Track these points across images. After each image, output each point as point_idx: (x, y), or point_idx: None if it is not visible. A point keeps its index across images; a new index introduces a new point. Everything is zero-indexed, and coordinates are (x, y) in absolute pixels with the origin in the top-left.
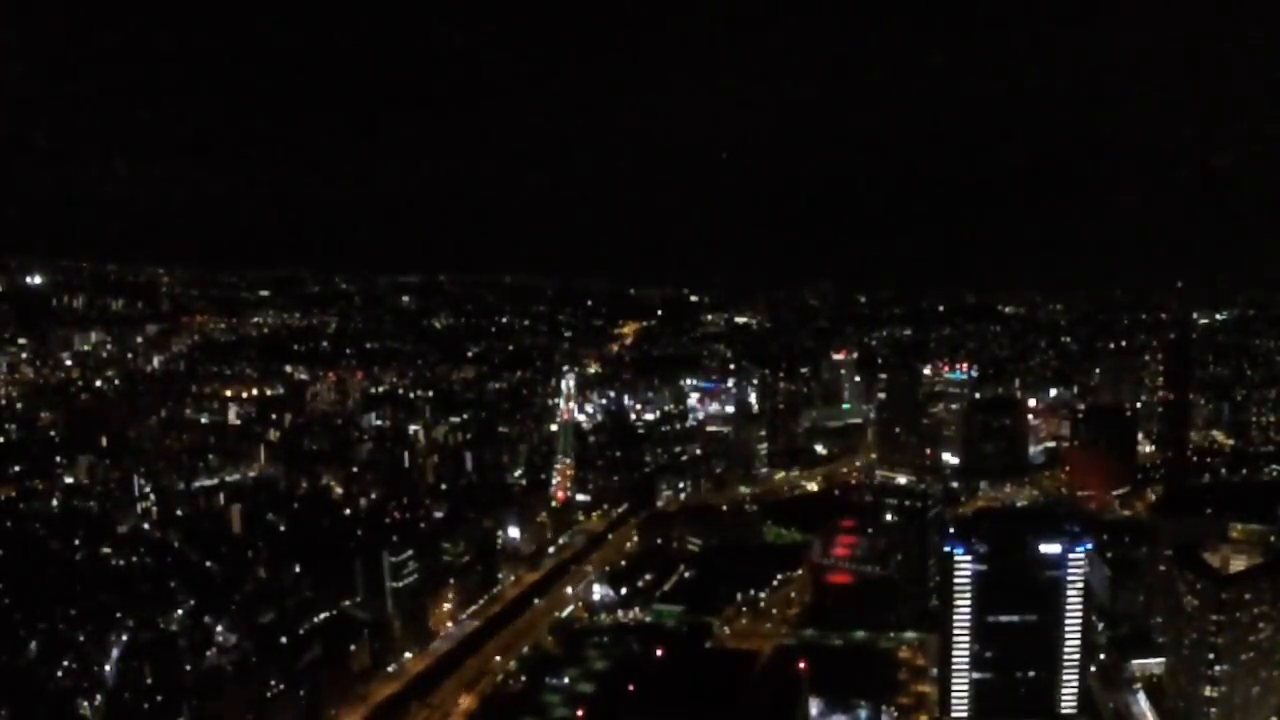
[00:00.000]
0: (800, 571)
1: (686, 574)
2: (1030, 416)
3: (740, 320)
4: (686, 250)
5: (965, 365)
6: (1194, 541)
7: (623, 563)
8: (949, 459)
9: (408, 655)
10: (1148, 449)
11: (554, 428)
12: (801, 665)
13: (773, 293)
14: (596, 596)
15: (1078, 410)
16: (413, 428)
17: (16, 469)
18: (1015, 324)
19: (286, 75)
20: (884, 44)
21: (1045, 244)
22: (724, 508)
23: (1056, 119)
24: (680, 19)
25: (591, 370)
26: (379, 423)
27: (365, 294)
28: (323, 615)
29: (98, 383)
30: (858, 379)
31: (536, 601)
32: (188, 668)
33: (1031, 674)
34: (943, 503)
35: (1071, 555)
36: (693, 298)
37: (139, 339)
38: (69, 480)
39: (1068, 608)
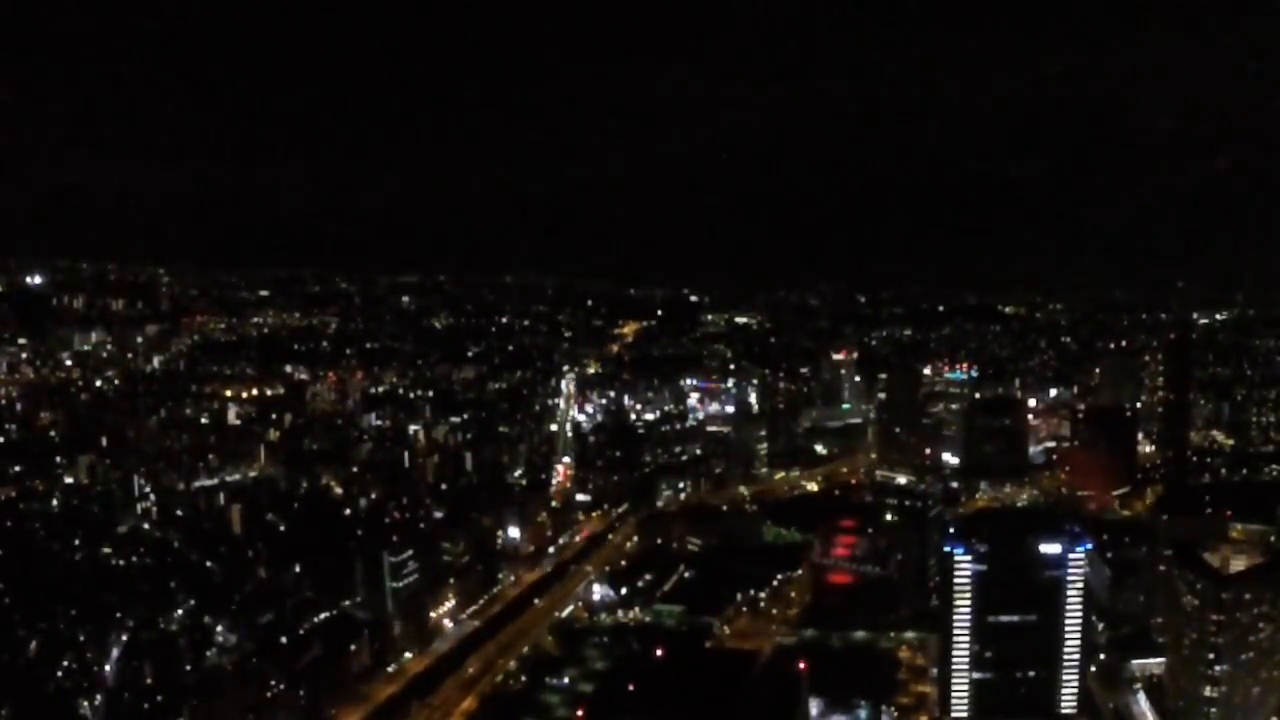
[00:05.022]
0: (800, 571)
1: (686, 574)
2: (1030, 416)
3: (740, 320)
4: (686, 250)
5: (965, 365)
6: (1194, 541)
7: (623, 563)
8: (949, 459)
9: (408, 655)
10: (1148, 449)
11: (554, 428)
12: (801, 665)
13: (773, 293)
14: (596, 596)
15: (1078, 410)
16: (413, 428)
17: (16, 469)
18: (1015, 324)
19: (287, 74)
20: (884, 45)
21: (1045, 244)
22: (724, 508)
23: (1056, 120)
24: (679, 19)
25: (591, 370)
26: (379, 423)
27: (365, 294)
28: (323, 615)
29: (98, 383)
30: (858, 379)
31: (536, 601)
32: (188, 668)
33: (1031, 674)
34: (943, 503)
35: (1071, 555)
36: (693, 298)
37: (139, 339)
38: (69, 480)
39: (1068, 608)
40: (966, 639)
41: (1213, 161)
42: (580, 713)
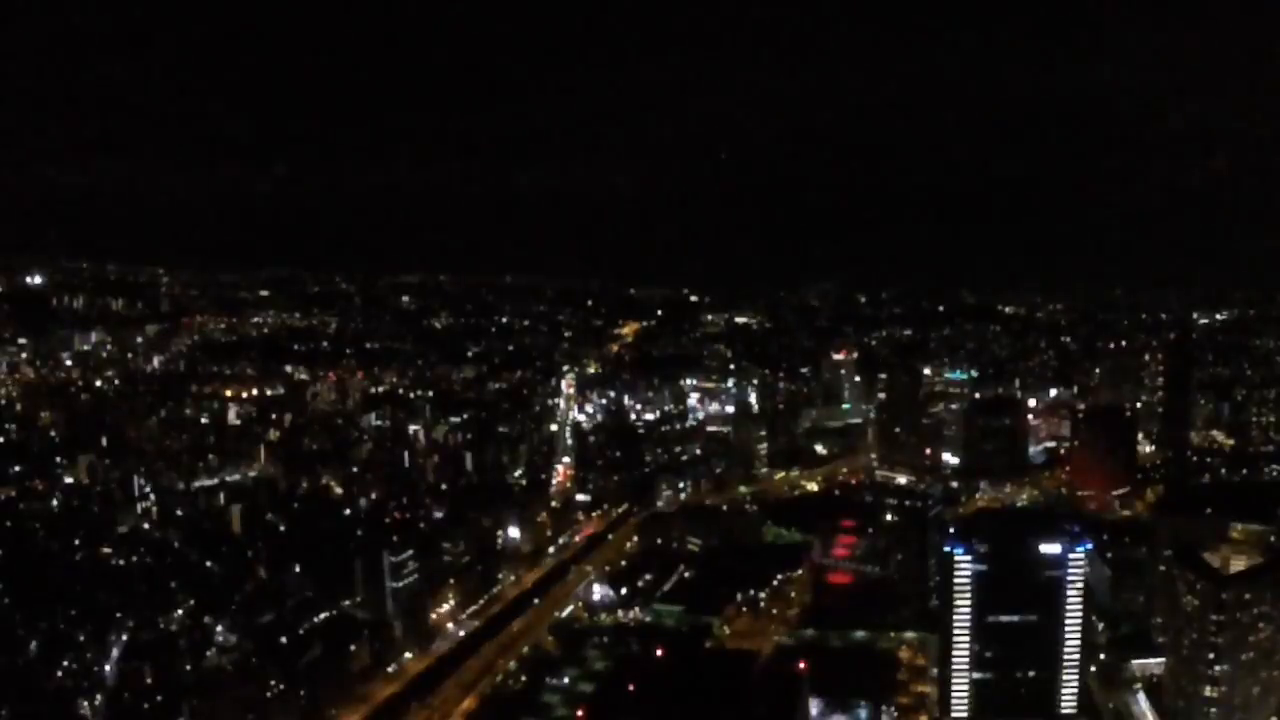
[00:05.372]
0: (800, 571)
1: (686, 574)
2: (1030, 416)
3: (740, 320)
4: (686, 250)
5: (965, 365)
6: (1194, 541)
7: (623, 563)
8: (949, 459)
9: (408, 655)
10: (1148, 449)
11: (554, 428)
12: (801, 665)
13: (773, 293)
14: (596, 596)
15: (1078, 410)
16: (413, 428)
17: (16, 469)
18: (1015, 324)
19: (288, 75)
20: (885, 46)
21: (1045, 244)
22: (724, 508)
23: (1056, 121)
24: (681, 20)
25: (591, 370)
26: (379, 423)
27: (365, 294)
28: (323, 615)
29: (98, 383)
30: (858, 379)
31: (536, 601)
32: (188, 668)
33: (1031, 674)
34: (943, 503)
35: (1071, 555)
36: (693, 298)
37: (139, 339)
38: (69, 480)
39: (1068, 608)
40: (966, 639)
41: (1212, 161)
42: (580, 713)
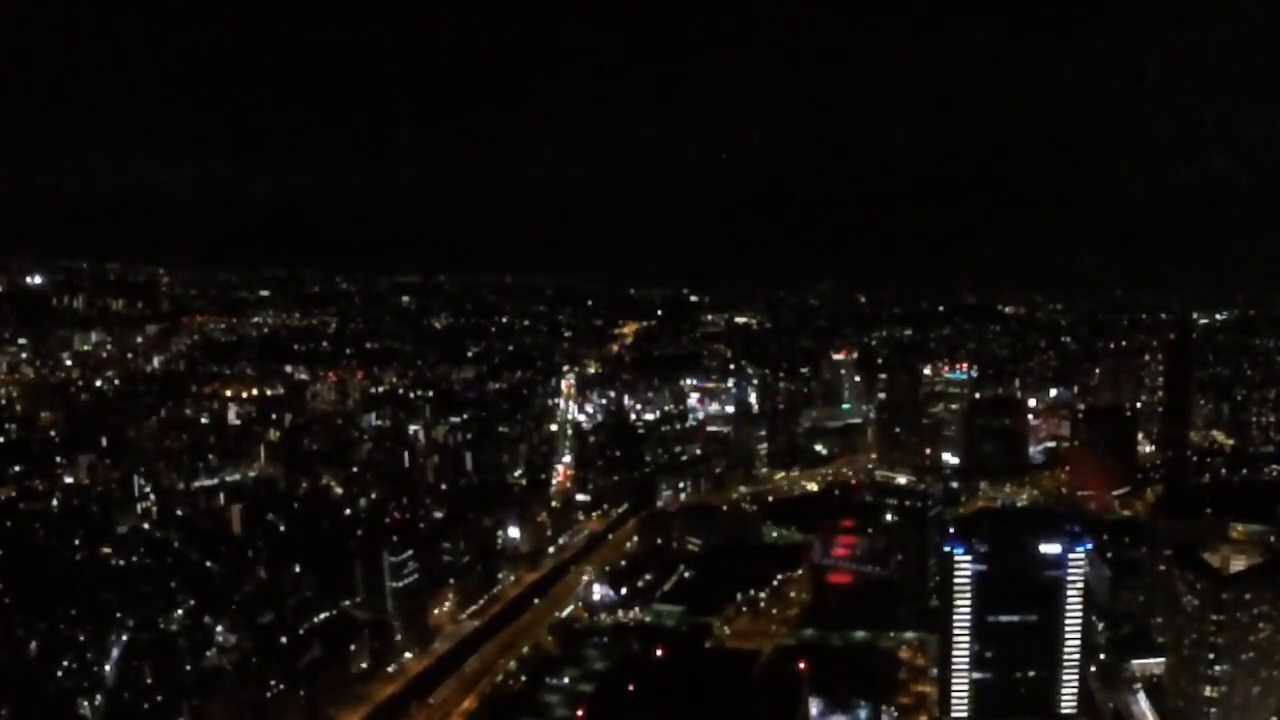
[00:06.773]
0: (800, 571)
1: (686, 574)
2: (1030, 416)
3: (740, 320)
4: (686, 250)
5: (965, 365)
6: (1194, 541)
7: (623, 563)
8: (949, 459)
9: (408, 655)
10: (1148, 449)
11: (554, 428)
12: (801, 665)
13: (773, 293)
14: (596, 596)
15: (1078, 410)
16: (413, 428)
17: (16, 469)
18: (1015, 324)
19: (287, 73)
20: (884, 45)
21: (1045, 244)
22: (724, 508)
23: (1056, 120)
24: (681, 20)
25: (591, 370)
26: (379, 423)
27: (365, 294)
28: (323, 615)
29: (98, 383)
30: (858, 379)
31: (536, 601)
32: (188, 668)
33: (1031, 674)
34: (943, 503)
35: (1071, 555)
36: (693, 298)
37: (139, 339)
38: (69, 480)
39: (1068, 608)
40: (966, 639)
41: (1212, 161)
42: (580, 713)
